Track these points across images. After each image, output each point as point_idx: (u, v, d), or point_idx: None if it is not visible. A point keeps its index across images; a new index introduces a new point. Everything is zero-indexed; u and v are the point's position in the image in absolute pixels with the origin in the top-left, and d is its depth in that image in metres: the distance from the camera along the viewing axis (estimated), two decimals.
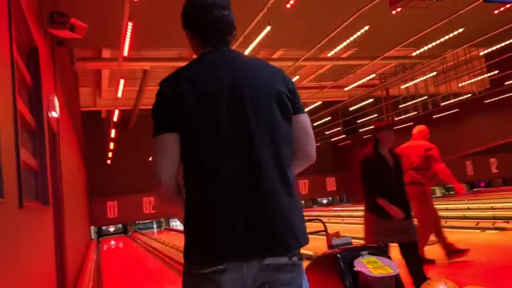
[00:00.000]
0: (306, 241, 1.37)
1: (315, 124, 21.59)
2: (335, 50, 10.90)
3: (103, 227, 21.39)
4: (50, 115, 4.08)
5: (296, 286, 1.34)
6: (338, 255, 2.69)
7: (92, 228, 20.37)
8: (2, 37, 2.19)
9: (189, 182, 1.35)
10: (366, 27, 9.03)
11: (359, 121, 20.59)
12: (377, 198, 3.77)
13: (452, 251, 5.24)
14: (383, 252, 2.78)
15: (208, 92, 1.34)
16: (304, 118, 1.46)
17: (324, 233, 4.13)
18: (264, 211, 1.29)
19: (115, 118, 14.98)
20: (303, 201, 25.74)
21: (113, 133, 16.76)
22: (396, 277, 2.62)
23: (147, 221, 22.05)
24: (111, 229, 21.73)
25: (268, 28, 8.37)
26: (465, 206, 12.63)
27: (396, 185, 3.82)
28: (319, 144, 23.86)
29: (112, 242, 17.73)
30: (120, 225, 21.70)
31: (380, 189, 3.78)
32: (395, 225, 3.67)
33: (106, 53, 12.29)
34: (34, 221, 2.97)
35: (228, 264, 1.25)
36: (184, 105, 1.33)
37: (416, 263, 3.61)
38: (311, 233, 4.08)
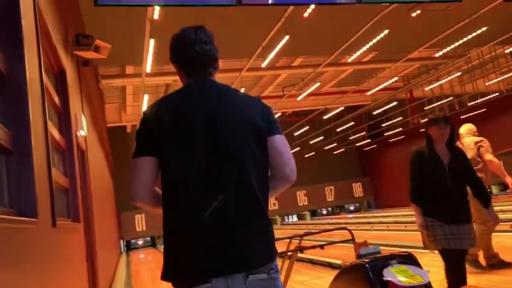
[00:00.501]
0: (275, 255, 1.47)
1: (338, 129, 21.43)
2: (356, 54, 10.83)
3: (132, 241, 21.70)
4: (78, 134, 4.21)
5: None
6: (367, 265, 2.66)
7: (122, 242, 20.72)
8: (32, 63, 2.29)
9: (166, 202, 1.45)
10: (386, 31, 8.95)
11: (383, 125, 20.30)
12: (411, 200, 3.44)
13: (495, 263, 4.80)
14: (413, 260, 2.72)
15: (182, 117, 1.45)
16: (278, 139, 1.51)
17: (352, 241, 4.10)
18: (241, 233, 1.38)
19: None
20: (330, 209, 25.51)
21: None
22: (427, 286, 2.56)
23: None
24: (140, 242, 22.03)
25: (287, 37, 8.40)
26: (498, 208, 12.23)
27: (448, 186, 3.30)
28: (343, 149, 23.65)
29: (141, 256, 17.96)
30: (148, 238, 21.98)
31: (425, 189, 3.41)
32: (448, 229, 3.27)
33: (129, 70, 12.59)
34: (67, 239, 3.06)
35: (215, 280, 1.34)
36: (160, 128, 1.44)
37: (460, 272, 3.23)
38: (339, 242, 4.05)
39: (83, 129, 4.73)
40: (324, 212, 25.58)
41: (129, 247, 21.37)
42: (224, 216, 1.37)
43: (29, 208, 1.94)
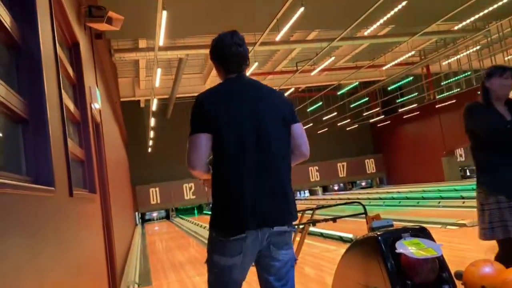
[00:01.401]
0: (297, 216, 1.97)
1: (352, 105, 21.20)
2: (372, 28, 10.57)
3: (147, 213, 22.15)
4: (93, 106, 4.24)
5: (289, 245, 1.91)
6: (379, 237, 2.66)
7: (137, 214, 21.16)
8: (46, 36, 2.29)
9: (218, 170, 1.85)
10: (404, 3, 8.69)
11: (398, 101, 20.01)
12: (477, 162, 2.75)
13: None
14: (426, 234, 2.72)
15: (232, 108, 1.85)
16: (299, 126, 1.98)
17: (364, 215, 4.10)
18: (271, 197, 1.82)
19: (153, 107, 15.33)
20: (341, 184, 25.57)
21: (152, 122, 17.17)
22: (440, 259, 2.56)
23: (188, 206, 22.63)
24: (154, 214, 22.48)
25: (302, 9, 8.23)
26: None
27: None
28: (357, 126, 23.46)
29: (156, 228, 18.34)
30: (162, 211, 22.40)
31: (489, 147, 2.73)
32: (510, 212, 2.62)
33: (142, 44, 12.54)
34: (83, 208, 3.13)
35: (248, 232, 1.78)
36: (218, 115, 1.82)
37: None
38: (352, 215, 4.07)
39: (97, 102, 4.76)
40: (336, 187, 25.66)
41: (144, 220, 21.84)
42: (264, 196, 1.81)
43: (46, 177, 1.97)
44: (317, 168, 24.54)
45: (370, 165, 25.50)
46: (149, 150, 21.23)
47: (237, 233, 1.78)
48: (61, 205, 2.28)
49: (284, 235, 1.85)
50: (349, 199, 15.52)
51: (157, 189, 21.80)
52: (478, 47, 14.97)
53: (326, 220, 3.78)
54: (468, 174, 22.02)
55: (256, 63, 12.72)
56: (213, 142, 1.83)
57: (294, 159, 1.99)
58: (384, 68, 16.04)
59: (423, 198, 13.18)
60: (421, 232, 2.70)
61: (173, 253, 8.63)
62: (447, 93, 17.21)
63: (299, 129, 1.97)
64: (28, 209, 1.69)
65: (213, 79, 16.16)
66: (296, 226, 4.21)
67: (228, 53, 1.91)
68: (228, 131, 1.81)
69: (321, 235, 7.72)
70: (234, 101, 1.86)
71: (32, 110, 1.93)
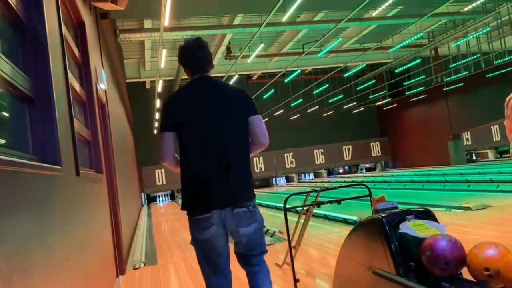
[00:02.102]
0: (254, 197, 2.24)
1: (358, 88, 21.03)
2: (380, 9, 10.40)
3: (152, 194, 22.35)
4: (98, 87, 4.24)
5: (252, 221, 2.20)
6: (383, 219, 2.67)
7: (143, 195, 21.36)
8: (51, 14, 2.27)
9: (182, 161, 2.19)
10: None
11: (405, 84, 19.80)
12: None
13: None
14: (431, 216, 2.72)
15: (194, 106, 2.16)
16: (257, 118, 2.23)
17: (369, 198, 4.10)
18: (230, 182, 2.12)
19: (159, 89, 15.29)
20: (346, 167, 25.60)
21: (158, 103, 17.16)
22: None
23: None
24: (160, 195, 22.69)
25: None
26: None
27: None
28: (363, 109, 23.32)
29: (162, 209, 18.53)
30: (168, 192, 22.59)
31: None
32: None
33: (147, 24, 12.45)
34: (90, 188, 3.16)
35: (213, 211, 2.11)
36: (179, 115, 2.15)
37: None
38: (357, 197, 4.07)
39: (103, 83, 4.76)
40: (341, 170, 25.69)
41: (150, 200, 22.06)
42: (222, 179, 2.12)
43: (53, 156, 1.99)
44: (322, 150, 24.53)
45: (376, 148, 25.44)
46: (155, 131, 21.29)
47: (204, 213, 2.12)
48: (68, 185, 2.30)
49: (245, 215, 2.17)
50: (353, 182, 15.54)
51: (162, 170, 21.94)
52: (487, 29, 14.71)
53: (330, 202, 3.79)
54: (474, 158, 21.93)
55: (262, 45, 12.59)
56: (179, 137, 2.15)
57: (254, 148, 2.27)
58: (391, 50, 15.84)
59: (428, 181, 13.17)
60: (426, 214, 2.70)
61: (178, 233, 8.72)
62: (455, 76, 17.01)
63: (257, 121, 2.22)
64: (36, 188, 1.70)
65: (219, 60, 16.05)
66: (300, 208, 4.23)
67: (193, 57, 2.21)
68: (188, 127, 2.13)
69: (325, 217, 7.76)
70: (195, 99, 2.17)
71: (38, 89, 1.93)
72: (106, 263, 3.62)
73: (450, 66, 17.00)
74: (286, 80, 17.42)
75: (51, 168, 1.90)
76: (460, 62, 16.57)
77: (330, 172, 25.35)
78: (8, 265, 1.29)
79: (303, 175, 24.86)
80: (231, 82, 16.25)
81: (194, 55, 2.20)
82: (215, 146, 2.11)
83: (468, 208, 6.93)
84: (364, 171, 25.98)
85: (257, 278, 2.28)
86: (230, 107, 2.17)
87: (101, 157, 3.83)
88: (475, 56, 16.03)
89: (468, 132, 21.10)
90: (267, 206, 12.15)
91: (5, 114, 1.90)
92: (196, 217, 2.14)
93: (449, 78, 17.43)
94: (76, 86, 3.15)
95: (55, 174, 1.98)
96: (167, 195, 22.64)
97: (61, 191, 2.15)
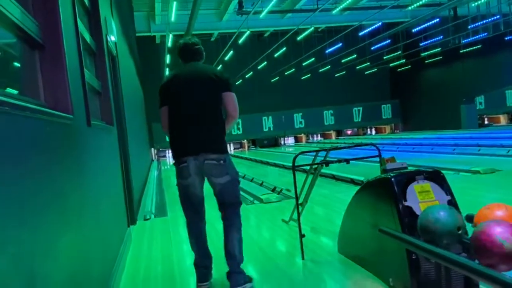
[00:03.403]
0: (224, 153, 2.81)
1: (373, 48, 20.51)
2: None
3: (162, 149, 22.61)
4: (108, 38, 4.17)
5: (224, 173, 2.78)
6: (392, 179, 2.67)
7: (153, 150, 21.60)
8: None
9: (169, 123, 2.86)
10: None
11: (421, 44, 19.24)
12: None
13: None
14: (441, 178, 2.71)
15: (179, 82, 2.85)
16: (229, 95, 2.83)
17: (378, 160, 4.07)
18: (201, 137, 2.75)
19: (169, 44, 15.06)
20: (355, 129, 25.48)
21: (168, 58, 16.96)
22: (451, 202, 2.59)
23: None
24: (169, 151, 22.92)
25: None
26: None
27: None
28: (375, 70, 22.85)
29: (171, 164, 18.75)
30: None
31: None
32: None
33: None
34: (101, 139, 3.18)
35: (188, 160, 2.74)
36: (168, 93, 2.86)
37: None
38: (366, 158, 4.06)
39: (113, 35, 4.68)
40: (349, 132, 25.60)
41: (160, 155, 22.36)
42: (194, 134, 2.75)
43: (64, 104, 1.98)
44: (332, 112, 24.34)
45: (386, 110, 25.17)
46: None
47: (182, 162, 2.75)
48: (80, 134, 2.31)
49: (216, 167, 2.74)
50: (362, 144, 15.50)
51: None
52: None
53: (339, 161, 3.78)
54: (486, 122, 21.65)
55: (274, 0, 12.21)
56: (169, 109, 2.83)
57: (227, 120, 2.86)
58: (409, 8, 15.27)
59: (438, 144, 13.10)
60: (436, 175, 2.69)
61: None
62: (473, 38, 16.47)
63: (229, 97, 2.81)
64: (48, 135, 1.71)
65: (230, 15, 15.67)
66: (308, 167, 4.24)
67: (185, 49, 2.92)
68: (173, 101, 2.82)
69: (333, 177, 7.81)
70: (180, 79, 2.84)
71: (47, 35, 1.90)
72: (117, 213, 3.71)
73: (469, 27, 16.44)
74: (298, 38, 17.03)
75: (62, 117, 1.90)
76: (479, 23, 16.01)
77: (338, 134, 25.28)
78: (22, 208, 1.32)
79: (311, 136, 24.85)
80: (242, 39, 15.91)
81: (186, 48, 2.93)
82: (191, 113, 2.76)
83: (478, 172, 6.91)
84: (374, 132, 25.88)
85: (226, 231, 2.86)
86: (205, 84, 2.79)
87: (112, 109, 3.83)
88: (494, 18, 15.43)
89: (482, 96, 20.70)
90: (275, 165, 12.24)
91: (16, 61, 1.88)
92: (179, 166, 2.77)
93: (467, 40, 16.90)
94: (86, 35, 3.10)
95: (66, 123, 1.98)
96: None
97: (73, 139, 2.16)
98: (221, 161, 2.75)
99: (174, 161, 2.83)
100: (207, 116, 2.77)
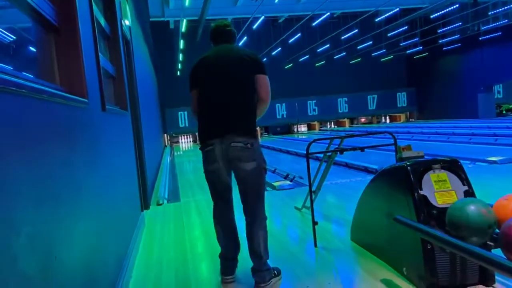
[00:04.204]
0: (253, 137, 2.61)
1: (389, 34, 20.16)
2: None
3: (175, 135, 22.74)
4: (123, 23, 4.16)
5: (250, 159, 2.58)
6: (408, 167, 2.63)
7: (166, 136, 21.74)
8: None
9: (199, 109, 2.72)
10: None
11: (440, 31, 18.84)
12: None
13: None
14: (458, 167, 2.66)
15: (211, 65, 2.71)
16: (263, 77, 2.67)
17: (393, 148, 4.03)
18: (230, 122, 2.59)
19: (183, 29, 15.01)
20: (370, 117, 25.23)
21: (181, 44, 16.93)
22: (469, 193, 2.54)
23: None
24: (182, 136, 23.05)
25: None
26: None
27: None
28: (392, 57, 22.49)
29: (184, 151, 18.88)
30: (190, 133, 22.93)
31: None
32: None
33: None
34: (115, 124, 3.19)
35: (214, 144, 2.59)
36: (199, 76, 2.73)
37: None
38: (381, 145, 4.01)
39: (127, 19, 4.66)
40: (363, 120, 25.37)
41: (173, 141, 22.51)
42: (223, 116, 2.61)
43: (79, 89, 1.98)
44: (346, 99, 24.12)
45: (402, 98, 24.84)
46: (178, 73, 21.20)
47: (208, 145, 2.61)
48: (94, 118, 2.32)
49: (243, 150, 2.56)
50: (376, 132, 15.34)
51: (185, 112, 22.11)
52: None
53: (354, 149, 3.74)
54: (504, 112, 21.22)
55: None
56: (199, 93, 2.71)
57: (259, 103, 2.69)
58: None
59: (454, 133, 12.90)
60: (453, 165, 2.64)
61: (200, 173, 8.93)
62: (493, 24, 16.06)
63: (262, 80, 2.66)
64: (63, 118, 1.71)
65: (244, 0, 15.51)
66: (322, 154, 4.21)
67: (217, 31, 2.81)
68: (202, 84, 2.69)
69: (346, 165, 7.77)
70: (210, 61, 2.71)
71: (63, 18, 1.89)
72: (131, 198, 3.74)
73: (489, 13, 16.01)
74: (313, 24, 16.80)
75: (77, 100, 1.90)
76: (499, 10, 15.57)
77: (352, 122, 25.08)
78: (37, 190, 1.33)
79: (324, 123, 24.70)
80: (257, 24, 15.77)
81: (218, 29, 2.82)
82: (222, 96, 2.63)
83: (494, 162, 6.80)
84: (388, 121, 25.60)
85: (250, 229, 2.67)
86: (237, 67, 2.65)
87: (126, 94, 3.83)
88: None
89: (501, 85, 20.26)
90: (288, 152, 12.21)
91: (32, 45, 1.88)
92: (205, 150, 2.64)
93: (487, 27, 16.49)
94: (101, 19, 3.09)
95: (81, 106, 1.98)
96: (190, 136, 23.00)
97: (88, 124, 2.16)
98: (248, 145, 2.55)
99: (200, 146, 2.68)
100: (238, 98, 2.61)
